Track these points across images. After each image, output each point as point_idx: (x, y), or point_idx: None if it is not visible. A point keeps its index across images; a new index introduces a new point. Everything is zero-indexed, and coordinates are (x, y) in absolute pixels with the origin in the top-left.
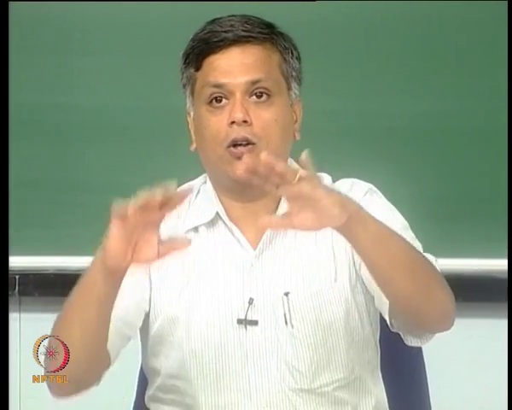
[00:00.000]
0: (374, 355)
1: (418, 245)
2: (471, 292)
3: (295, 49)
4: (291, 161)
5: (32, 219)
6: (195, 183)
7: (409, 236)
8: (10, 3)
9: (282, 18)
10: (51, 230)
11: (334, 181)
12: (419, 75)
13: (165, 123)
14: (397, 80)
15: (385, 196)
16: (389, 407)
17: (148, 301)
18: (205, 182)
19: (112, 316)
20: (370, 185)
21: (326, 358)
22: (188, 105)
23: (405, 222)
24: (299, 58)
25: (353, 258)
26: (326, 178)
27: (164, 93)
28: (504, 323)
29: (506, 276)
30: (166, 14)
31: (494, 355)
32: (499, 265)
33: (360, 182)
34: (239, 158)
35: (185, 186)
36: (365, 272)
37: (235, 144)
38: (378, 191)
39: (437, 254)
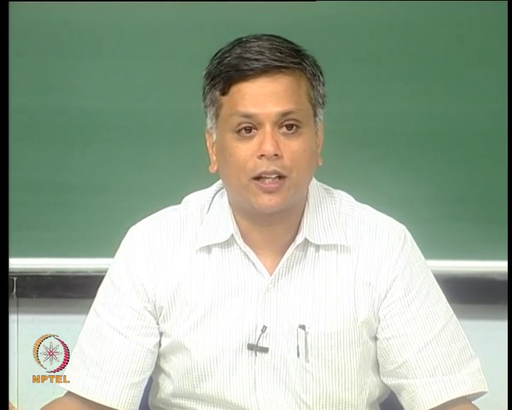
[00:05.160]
0: (381, 393)
1: (463, 336)
2: (471, 294)
3: (322, 74)
4: (317, 184)
5: (30, 221)
6: (205, 193)
7: (450, 329)
8: (11, 5)
9: (282, 18)
10: (49, 232)
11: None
12: (421, 77)
13: (165, 125)
14: (399, 81)
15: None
16: None
17: (158, 329)
18: (218, 192)
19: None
20: (403, 237)
21: (337, 396)
22: (209, 125)
23: (440, 292)
24: (324, 81)
25: (377, 314)
26: (349, 200)
27: (163, 96)
28: (504, 325)
29: (506, 278)
30: (166, 18)
31: (494, 357)
32: (499, 267)
33: (394, 243)
34: (267, 192)
35: (192, 197)
36: (382, 333)
37: (262, 177)
38: (413, 245)
39: (437, 256)
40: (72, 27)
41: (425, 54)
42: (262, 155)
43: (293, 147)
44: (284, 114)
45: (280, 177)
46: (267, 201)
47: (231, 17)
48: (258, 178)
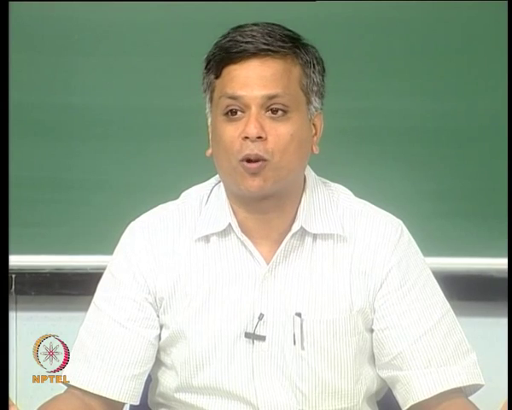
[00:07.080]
0: (379, 388)
1: (459, 331)
2: (470, 291)
3: (318, 62)
4: (309, 170)
5: (29, 218)
6: (204, 186)
7: (447, 322)
8: (11, 3)
9: (282, 18)
10: (48, 229)
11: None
12: (420, 75)
13: (164, 122)
14: (399, 79)
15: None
16: None
17: (158, 322)
18: (216, 185)
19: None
20: (400, 230)
21: (333, 385)
22: (207, 110)
23: (437, 286)
24: (322, 71)
25: (373, 305)
26: (347, 193)
27: (162, 93)
28: (504, 322)
29: (506, 275)
30: (165, 15)
31: (494, 355)
32: (498, 264)
33: (390, 234)
34: (252, 174)
35: (191, 191)
36: (377, 324)
37: (247, 159)
38: (410, 239)
39: (436, 253)
40: (72, 25)
41: (425, 52)
42: (246, 137)
43: (279, 130)
44: (270, 98)
45: (262, 160)
46: (251, 182)
47: (230, 16)
48: (244, 160)
